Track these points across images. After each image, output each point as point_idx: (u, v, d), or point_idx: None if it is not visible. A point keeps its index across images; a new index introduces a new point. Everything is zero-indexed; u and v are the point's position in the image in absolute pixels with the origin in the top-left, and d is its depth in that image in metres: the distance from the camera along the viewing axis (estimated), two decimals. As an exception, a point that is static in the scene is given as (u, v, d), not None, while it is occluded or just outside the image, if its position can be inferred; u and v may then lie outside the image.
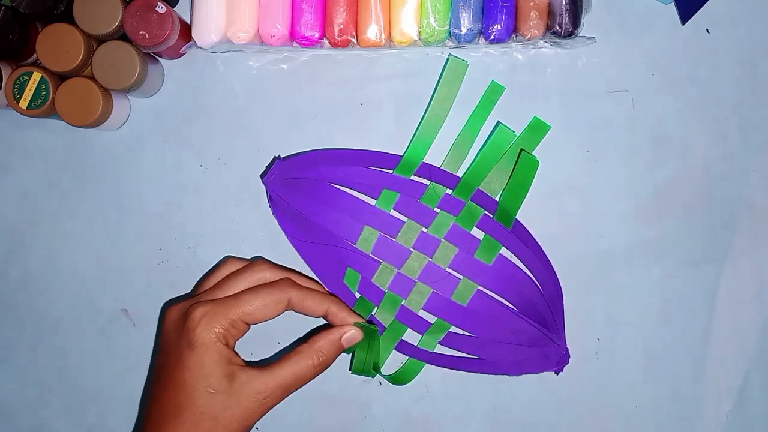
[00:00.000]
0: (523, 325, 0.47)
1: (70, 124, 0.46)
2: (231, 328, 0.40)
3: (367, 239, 0.47)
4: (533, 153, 0.47)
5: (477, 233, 0.48)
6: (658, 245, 0.49)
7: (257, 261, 0.44)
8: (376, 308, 0.48)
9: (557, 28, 0.45)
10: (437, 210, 0.48)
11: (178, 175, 0.50)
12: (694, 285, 0.49)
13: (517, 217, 0.48)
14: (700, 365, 0.49)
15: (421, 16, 0.46)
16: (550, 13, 0.45)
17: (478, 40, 0.47)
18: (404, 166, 0.48)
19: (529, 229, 0.48)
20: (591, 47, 0.48)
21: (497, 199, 0.48)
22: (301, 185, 0.47)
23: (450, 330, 0.48)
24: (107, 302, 0.51)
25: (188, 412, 0.39)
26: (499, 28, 0.45)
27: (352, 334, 0.42)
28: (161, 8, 0.45)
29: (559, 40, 0.46)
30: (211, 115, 0.50)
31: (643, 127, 0.49)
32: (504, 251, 0.48)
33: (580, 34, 0.46)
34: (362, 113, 0.49)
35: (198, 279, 0.50)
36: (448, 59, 0.47)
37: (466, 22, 0.45)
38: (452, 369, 0.48)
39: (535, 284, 0.48)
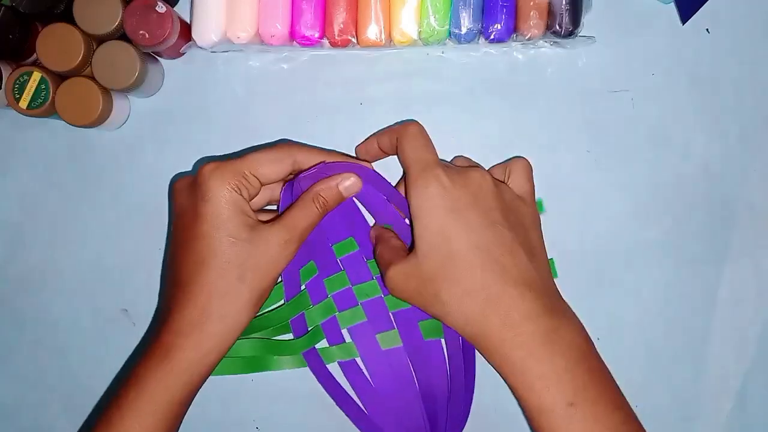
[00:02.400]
0: (414, 406, 0.47)
1: (70, 124, 0.46)
2: (243, 179, 0.40)
3: (345, 248, 0.47)
4: None
5: None
6: (658, 245, 0.49)
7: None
8: (310, 307, 0.48)
9: (557, 27, 0.45)
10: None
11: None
12: (694, 285, 0.49)
13: None
14: (700, 365, 0.49)
15: (421, 16, 0.46)
16: (550, 13, 0.45)
17: (478, 39, 0.47)
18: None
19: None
20: (591, 47, 0.48)
21: None
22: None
23: (354, 360, 0.49)
24: (107, 302, 0.51)
25: (213, 261, 0.39)
26: (499, 27, 0.45)
27: (352, 182, 0.43)
28: (161, 8, 0.45)
29: (559, 40, 0.46)
30: (211, 115, 0.50)
31: (643, 127, 0.49)
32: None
33: (580, 34, 0.46)
34: (362, 113, 0.49)
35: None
36: None
37: (466, 22, 0.45)
38: (325, 391, 0.48)
39: (448, 386, 0.48)
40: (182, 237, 0.41)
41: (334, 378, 0.49)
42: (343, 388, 0.49)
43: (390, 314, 0.48)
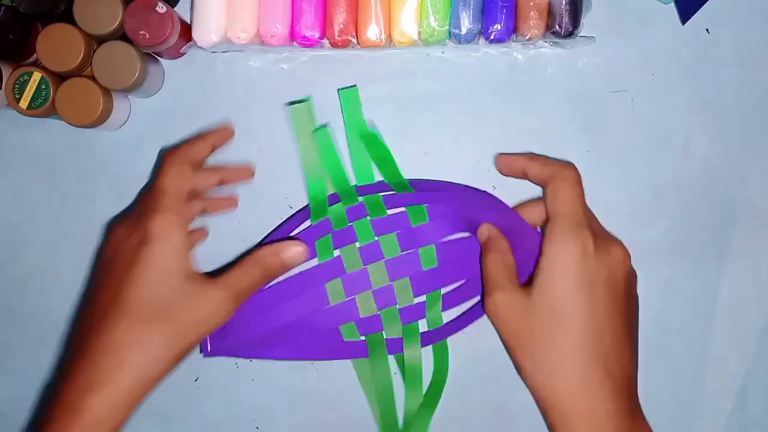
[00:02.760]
0: (496, 215, 0.46)
1: (70, 124, 0.46)
2: (176, 215, 0.39)
3: (335, 290, 0.47)
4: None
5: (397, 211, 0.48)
6: (658, 245, 0.49)
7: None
8: (383, 330, 0.48)
9: (557, 28, 0.45)
10: (351, 224, 0.47)
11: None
12: (694, 285, 0.49)
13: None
14: (700, 365, 0.49)
15: (421, 16, 0.46)
16: (550, 13, 0.45)
17: (478, 40, 0.47)
18: (316, 211, 0.47)
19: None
20: (591, 47, 0.48)
21: (379, 179, 0.48)
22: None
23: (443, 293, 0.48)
24: (107, 302, 0.51)
25: (141, 309, 0.37)
26: (499, 28, 0.45)
27: (295, 251, 0.41)
28: (161, 8, 0.45)
29: (559, 40, 0.46)
30: (211, 115, 0.50)
31: (643, 127, 0.49)
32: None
33: (580, 34, 0.46)
34: (362, 113, 0.49)
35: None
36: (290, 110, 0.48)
37: (466, 22, 0.45)
38: (469, 323, 0.48)
39: (466, 198, 0.47)
40: (112, 282, 0.38)
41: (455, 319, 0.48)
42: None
43: (402, 253, 0.47)
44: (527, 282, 0.40)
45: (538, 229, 0.44)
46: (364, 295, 0.47)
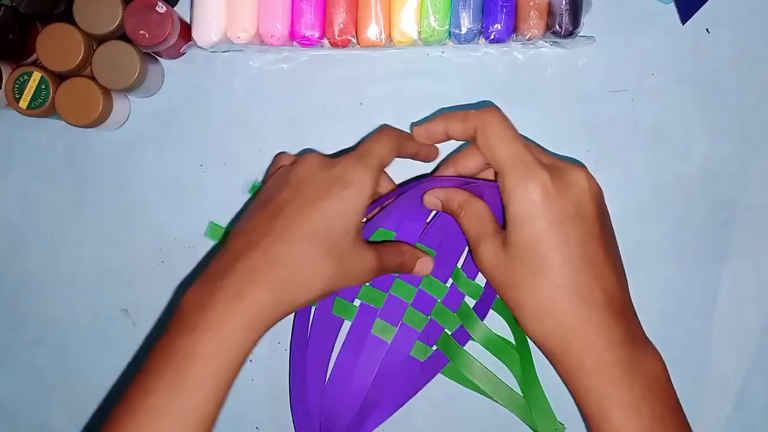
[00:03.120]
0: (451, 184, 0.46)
1: (70, 124, 0.46)
2: (375, 175, 0.40)
3: (383, 327, 0.48)
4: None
5: None
6: (658, 245, 0.49)
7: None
8: (445, 329, 0.48)
9: (557, 27, 0.45)
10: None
11: (178, 175, 0.50)
12: (694, 285, 0.49)
13: None
14: (700, 365, 0.49)
15: (421, 16, 0.46)
16: (550, 13, 0.45)
17: (478, 39, 0.47)
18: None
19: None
20: (591, 47, 0.48)
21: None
22: None
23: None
24: (107, 302, 0.51)
25: (321, 239, 0.38)
26: (499, 27, 0.45)
27: (426, 265, 0.45)
28: (161, 8, 0.45)
29: (559, 40, 0.46)
30: (211, 115, 0.50)
31: (643, 127, 0.49)
32: None
33: (580, 34, 0.46)
34: (362, 113, 0.49)
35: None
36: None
37: (466, 22, 0.45)
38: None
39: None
40: (298, 202, 0.39)
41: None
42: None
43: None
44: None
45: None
46: (408, 314, 0.48)
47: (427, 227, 0.47)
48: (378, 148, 0.42)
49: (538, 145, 0.42)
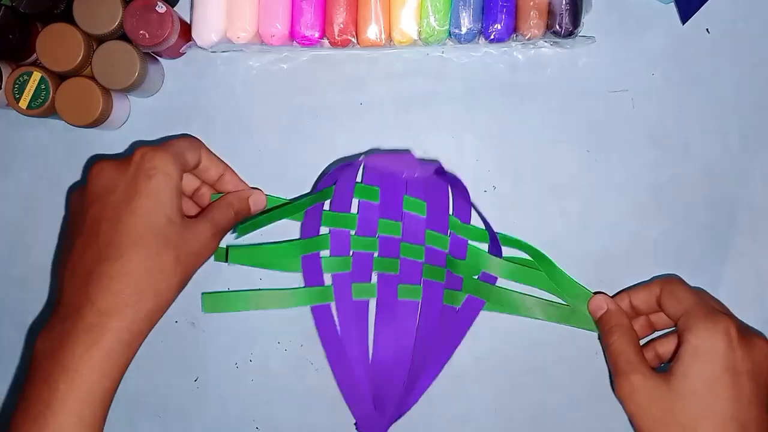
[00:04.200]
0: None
1: (70, 124, 0.46)
2: (176, 160, 0.40)
3: (409, 291, 0.48)
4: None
5: None
6: (658, 245, 0.49)
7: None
8: (464, 278, 0.48)
9: (557, 27, 0.45)
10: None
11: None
12: (694, 285, 0.49)
13: (516, 221, 0.49)
14: (700, 365, 0.49)
15: (421, 16, 0.46)
16: (550, 13, 0.45)
17: (478, 39, 0.47)
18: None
19: (529, 229, 0.48)
20: (591, 47, 0.48)
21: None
22: None
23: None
24: (107, 302, 0.51)
25: (151, 239, 0.38)
26: (499, 27, 0.45)
27: (260, 198, 0.46)
28: (161, 8, 0.45)
29: (559, 40, 0.46)
30: (211, 115, 0.50)
31: (643, 127, 0.49)
32: None
33: (580, 34, 0.46)
34: (362, 113, 0.49)
35: (198, 279, 0.50)
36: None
37: (466, 22, 0.45)
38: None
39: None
40: (110, 213, 0.38)
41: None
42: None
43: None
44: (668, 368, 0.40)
45: (438, 163, 0.47)
46: (426, 271, 0.48)
47: (411, 181, 0.48)
48: (178, 143, 0.42)
49: (731, 312, 0.43)
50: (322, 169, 0.49)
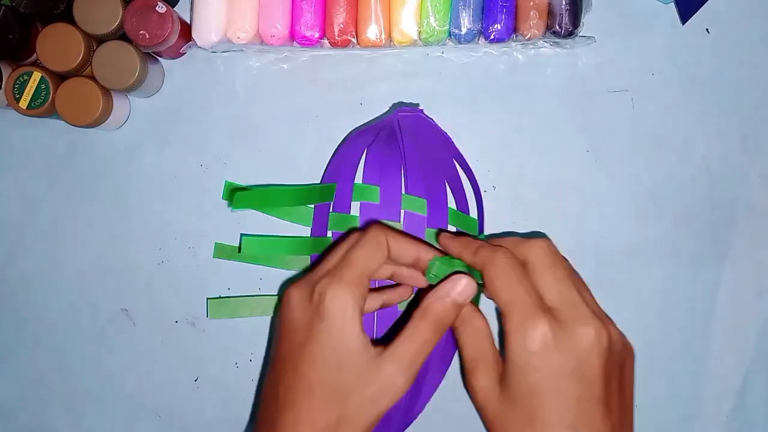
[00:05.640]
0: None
1: (70, 124, 0.46)
2: (356, 289, 0.36)
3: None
4: None
5: None
6: (658, 245, 0.49)
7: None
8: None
9: (557, 27, 0.45)
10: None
11: (178, 175, 0.50)
12: (694, 285, 0.49)
13: (516, 221, 0.48)
14: (700, 365, 0.49)
15: (421, 16, 0.46)
16: (550, 13, 0.45)
17: (478, 40, 0.47)
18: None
19: (529, 229, 0.48)
20: (591, 47, 0.48)
21: None
22: None
23: None
24: (107, 302, 0.51)
25: (319, 390, 0.36)
26: (499, 27, 0.45)
27: (464, 284, 0.37)
28: (161, 8, 0.45)
29: (559, 40, 0.46)
30: (211, 115, 0.50)
31: (643, 127, 0.49)
32: None
33: (580, 34, 0.46)
34: (362, 113, 0.49)
35: (198, 279, 0.50)
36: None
37: (466, 22, 0.45)
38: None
39: None
40: (291, 355, 0.37)
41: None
42: None
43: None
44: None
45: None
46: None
47: (411, 179, 0.47)
48: (361, 255, 0.38)
49: (587, 288, 0.39)
50: (322, 169, 0.49)
